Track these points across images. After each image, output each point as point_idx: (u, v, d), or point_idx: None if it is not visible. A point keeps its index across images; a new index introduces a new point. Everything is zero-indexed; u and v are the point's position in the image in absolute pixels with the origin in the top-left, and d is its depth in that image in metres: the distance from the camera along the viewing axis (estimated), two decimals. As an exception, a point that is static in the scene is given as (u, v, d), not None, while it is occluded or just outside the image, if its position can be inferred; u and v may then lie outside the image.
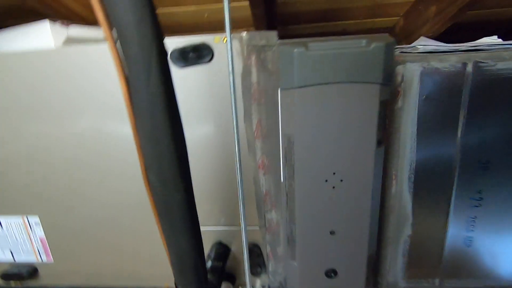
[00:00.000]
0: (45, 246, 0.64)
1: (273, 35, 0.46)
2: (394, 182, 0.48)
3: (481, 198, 0.47)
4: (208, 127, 0.52)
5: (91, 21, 0.79)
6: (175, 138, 0.30)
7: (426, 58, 0.42)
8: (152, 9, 0.26)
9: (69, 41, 0.56)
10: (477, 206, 0.48)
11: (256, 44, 0.46)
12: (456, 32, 1.00)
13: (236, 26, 0.94)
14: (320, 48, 0.36)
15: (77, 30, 0.58)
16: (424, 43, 0.46)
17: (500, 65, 0.41)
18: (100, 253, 0.63)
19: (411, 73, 0.43)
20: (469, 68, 0.42)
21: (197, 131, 0.52)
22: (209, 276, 0.50)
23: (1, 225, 0.63)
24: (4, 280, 0.66)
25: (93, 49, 0.50)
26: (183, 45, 0.47)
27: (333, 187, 0.41)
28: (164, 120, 0.29)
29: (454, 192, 0.47)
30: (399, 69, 0.43)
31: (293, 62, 0.36)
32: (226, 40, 0.47)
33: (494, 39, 0.59)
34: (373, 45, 0.34)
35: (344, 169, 0.40)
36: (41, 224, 0.62)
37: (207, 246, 0.60)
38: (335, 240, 0.44)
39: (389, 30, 1.16)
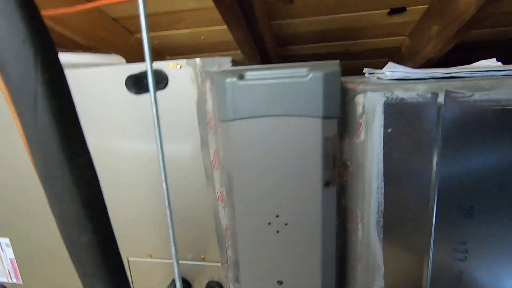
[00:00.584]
0: (14, 267, 0.64)
1: (226, 61, 0.43)
2: (359, 226, 0.42)
3: (466, 251, 0.40)
4: (167, 152, 0.49)
5: (85, 46, 0.82)
6: (78, 176, 0.28)
7: (389, 87, 0.37)
8: (34, 36, 0.24)
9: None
10: (462, 260, 0.40)
11: (209, 70, 0.44)
12: (461, 52, 0.92)
13: (222, 49, 0.94)
14: (255, 77, 0.32)
15: (65, 56, 0.59)
16: (392, 69, 0.41)
17: (478, 96, 0.35)
18: (68, 275, 0.62)
19: (373, 104, 0.38)
20: (441, 98, 0.36)
21: (152, 161, 0.50)
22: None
23: (-22, 243, 0.64)
24: (-23, 299, 0.66)
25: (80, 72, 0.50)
26: (138, 71, 0.46)
27: (277, 231, 0.36)
28: (59, 157, 0.26)
29: (432, 242, 0.40)
30: (359, 99, 0.38)
31: (226, 93, 0.33)
32: (180, 66, 0.46)
33: (492, 62, 0.53)
34: (310, 75, 0.30)
35: (288, 212, 0.35)
36: (12, 246, 0.62)
37: (169, 280, 0.57)
38: (283, 291, 0.38)
39: (395, 50, 1.10)
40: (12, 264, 0.64)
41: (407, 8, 0.84)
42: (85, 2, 0.72)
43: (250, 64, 0.41)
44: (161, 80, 0.46)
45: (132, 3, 0.81)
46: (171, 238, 0.36)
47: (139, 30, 0.99)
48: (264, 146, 0.33)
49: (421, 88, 0.36)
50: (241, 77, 0.33)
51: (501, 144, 0.35)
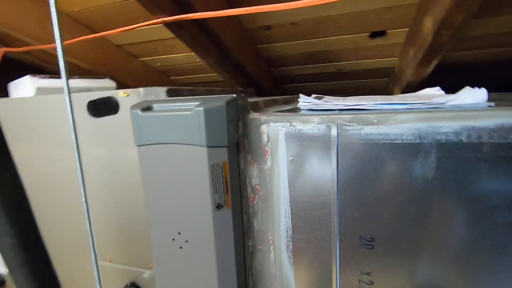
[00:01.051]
0: (10, 260, 0.74)
1: (161, 90, 0.49)
2: (271, 248, 0.44)
3: (371, 282, 0.40)
4: (121, 168, 0.56)
5: (89, 71, 0.94)
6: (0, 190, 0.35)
7: (288, 118, 0.39)
8: None
9: (40, 91, 0.69)
10: (369, 292, 0.40)
11: (147, 99, 0.49)
12: (446, 74, 0.88)
13: (207, 71, 1.00)
14: (159, 109, 0.37)
15: (48, 81, 0.70)
16: (303, 101, 0.43)
17: (367, 130, 0.36)
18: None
19: (276, 134, 0.40)
20: (334, 131, 0.37)
21: (107, 175, 0.56)
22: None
23: (-15, 237, 0.76)
24: (-18, 285, 0.77)
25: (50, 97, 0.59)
26: (95, 98, 0.54)
27: (180, 247, 0.40)
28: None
29: (337, 270, 0.41)
30: (263, 128, 0.41)
31: (133, 122, 0.38)
32: (127, 94, 0.52)
33: (435, 91, 0.52)
34: (194, 109, 0.34)
35: (187, 230, 0.39)
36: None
37: (125, 283, 0.62)
38: (189, 304, 0.41)
39: (390, 70, 1.08)
40: (8, 257, 0.74)
41: (387, 32, 0.83)
42: (88, 33, 0.85)
43: (229, 88, 0.45)
44: (114, 106, 0.53)
45: (135, 32, 0.92)
46: (90, 242, 0.41)
47: (142, 55, 1.10)
48: (164, 169, 0.38)
49: (316, 120, 0.38)
50: (147, 109, 0.38)
51: (393, 177, 0.36)
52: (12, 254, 0.37)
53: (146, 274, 0.59)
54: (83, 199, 0.39)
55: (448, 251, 0.35)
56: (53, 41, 0.76)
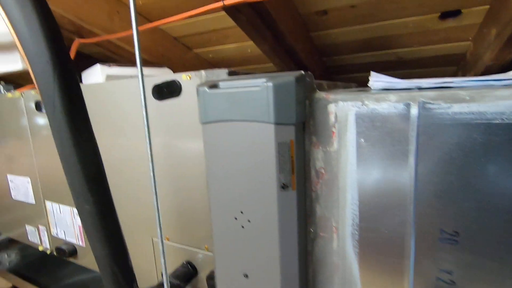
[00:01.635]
0: (81, 232, 0.82)
1: (223, 72, 0.49)
2: (335, 236, 0.41)
3: (452, 282, 0.35)
4: (182, 150, 0.57)
5: (149, 61, 1.00)
6: (83, 158, 0.37)
7: (360, 97, 0.36)
8: (54, 57, 0.34)
9: (109, 78, 0.74)
10: (448, 292, 0.36)
11: (209, 81, 0.50)
12: None
13: (267, 60, 0.99)
14: (225, 87, 0.37)
15: (116, 69, 0.75)
16: (375, 79, 0.39)
17: (457, 108, 0.32)
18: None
19: (345, 113, 0.38)
20: (414, 110, 0.34)
21: (167, 157, 0.59)
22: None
23: (60, 211, 0.85)
24: (57, 253, 0.87)
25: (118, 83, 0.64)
26: (160, 82, 0.56)
27: (242, 227, 0.39)
28: (70, 143, 0.36)
29: (412, 267, 0.37)
30: (331, 108, 0.38)
31: (200, 100, 0.39)
32: (190, 77, 0.53)
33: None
34: (262, 85, 0.34)
35: (250, 210, 0.38)
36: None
37: (181, 261, 0.64)
38: (248, 285, 0.41)
39: (461, 56, 0.97)
40: (79, 230, 0.82)
41: (463, 11, 0.74)
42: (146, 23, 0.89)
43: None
44: (176, 89, 0.55)
45: (191, 24, 0.96)
46: (157, 220, 0.43)
47: (196, 46, 1.14)
48: (229, 147, 0.38)
49: (393, 97, 0.35)
50: (213, 86, 0.38)
51: (486, 163, 0.31)
52: (90, 221, 0.40)
53: (201, 254, 0.61)
54: (152, 180, 0.41)
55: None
56: (120, 32, 0.81)
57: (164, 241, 0.66)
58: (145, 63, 1.01)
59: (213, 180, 0.40)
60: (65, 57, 0.35)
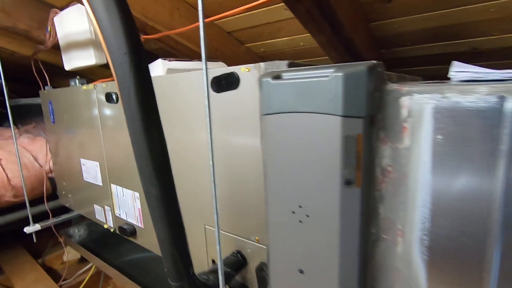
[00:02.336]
0: (140, 215, 0.89)
1: (283, 63, 0.48)
2: (399, 239, 0.38)
3: (548, 306, 0.30)
4: (230, 140, 0.58)
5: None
6: (152, 146, 0.40)
7: (440, 89, 0.33)
8: (131, 50, 0.36)
9: (169, 71, 0.79)
10: (542, 317, 0.31)
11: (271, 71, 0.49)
12: None
13: (320, 54, 0.95)
14: (289, 77, 0.37)
15: (175, 63, 0.79)
16: (457, 69, 0.35)
17: None
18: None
19: (420, 107, 0.34)
20: (509, 104, 0.29)
21: (223, 148, 0.60)
22: (208, 276, 0.56)
23: (123, 194, 0.93)
24: (119, 231, 0.95)
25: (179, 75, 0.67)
26: (219, 74, 0.57)
27: (300, 221, 0.39)
28: (141, 131, 0.39)
29: (496, 281, 0.33)
30: (404, 101, 0.35)
31: (263, 91, 0.38)
32: (249, 70, 0.53)
33: None
34: (331, 75, 0.32)
35: (310, 204, 0.37)
36: (140, 199, 0.87)
37: (231, 250, 0.66)
38: (302, 281, 0.40)
39: (553, 46, 0.83)
40: (139, 212, 0.89)
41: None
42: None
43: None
44: (235, 81, 0.55)
45: (244, 17, 0.96)
46: (215, 211, 0.44)
47: (248, 41, 1.15)
48: (291, 139, 0.37)
49: (483, 90, 0.30)
50: (277, 77, 0.37)
51: None
52: (155, 204, 0.42)
53: (251, 245, 0.62)
54: (211, 170, 0.42)
55: None
56: (179, 28, 0.85)
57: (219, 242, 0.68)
58: (199, 57, 1.05)
59: (271, 172, 0.40)
60: (140, 50, 0.38)
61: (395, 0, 0.74)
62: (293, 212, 0.39)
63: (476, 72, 0.33)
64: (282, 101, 0.37)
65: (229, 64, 1.17)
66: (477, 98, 0.31)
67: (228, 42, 1.09)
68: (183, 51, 1.04)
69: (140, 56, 0.37)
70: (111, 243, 1.20)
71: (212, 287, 0.55)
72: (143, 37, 0.87)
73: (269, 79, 0.37)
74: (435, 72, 1.08)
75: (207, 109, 0.41)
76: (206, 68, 0.41)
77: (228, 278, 0.60)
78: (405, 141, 0.36)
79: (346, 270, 0.37)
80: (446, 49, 0.94)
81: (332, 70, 0.33)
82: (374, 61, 0.34)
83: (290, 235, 0.40)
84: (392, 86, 0.36)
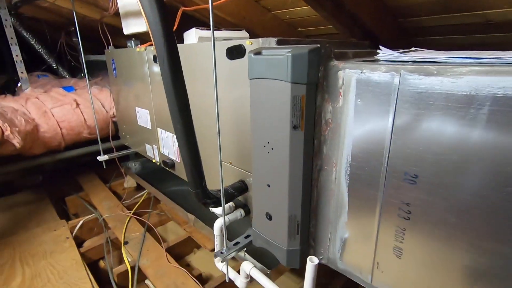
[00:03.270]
0: (177, 152, 1.16)
1: (273, 40, 0.64)
2: (334, 169, 0.56)
3: (409, 211, 0.47)
4: (239, 95, 0.78)
5: (233, 24, 1.18)
6: (177, 96, 0.61)
7: (361, 66, 0.48)
8: (164, 27, 0.56)
9: (201, 39, 0.98)
10: (406, 219, 0.48)
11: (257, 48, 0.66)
12: None
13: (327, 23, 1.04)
14: (265, 54, 0.54)
15: (206, 32, 0.97)
16: (383, 52, 0.49)
17: (427, 80, 0.41)
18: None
19: (349, 78, 0.50)
20: (396, 79, 0.44)
21: (232, 101, 0.80)
22: (217, 191, 0.79)
23: (166, 135, 1.21)
24: (163, 164, 1.25)
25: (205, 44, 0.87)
26: (231, 45, 0.75)
27: (268, 152, 0.58)
28: (170, 84, 0.60)
29: (382, 195, 0.50)
30: (340, 74, 0.51)
31: (248, 62, 0.56)
32: (251, 43, 0.70)
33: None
34: (285, 54, 0.49)
35: (273, 141, 0.56)
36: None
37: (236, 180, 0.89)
38: (269, 191, 0.61)
39: None
40: (176, 151, 1.16)
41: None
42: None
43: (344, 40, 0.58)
44: (242, 51, 0.73)
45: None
46: (219, 146, 0.65)
47: (275, 8, 1.26)
48: (262, 96, 0.55)
49: (383, 68, 0.45)
50: (257, 53, 0.55)
51: (443, 125, 0.40)
52: (180, 135, 0.65)
53: (251, 176, 0.84)
54: (217, 118, 0.62)
55: (483, 203, 0.39)
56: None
57: (227, 164, 0.91)
58: (229, 25, 1.20)
59: (253, 120, 0.59)
60: (170, 26, 0.57)
61: (399, -25, 0.80)
62: (264, 146, 0.59)
63: (392, 55, 0.47)
64: (258, 70, 0.54)
65: (256, 31, 1.31)
66: (379, 74, 0.46)
67: (256, 10, 1.22)
68: (215, 19, 1.20)
69: (170, 30, 0.57)
70: (159, 175, 1.55)
71: (218, 197, 0.79)
72: (182, 9, 1.06)
73: (252, 55, 0.55)
74: (453, 41, 1.10)
75: (214, 71, 0.60)
76: (214, 45, 0.59)
77: (232, 197, 0.84)
78: (340, 101, 0.52)
79: (293, 184, 0.56)
80: (460, 21, 0.96)
81: (287, 51, 0.49)
82: (318, 45, 0.49)
83: (262, 162, 0.60)
84: (334, 62, 0.51)
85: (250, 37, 1.10)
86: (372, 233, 0.53)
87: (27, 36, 2.07)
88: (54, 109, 1.48)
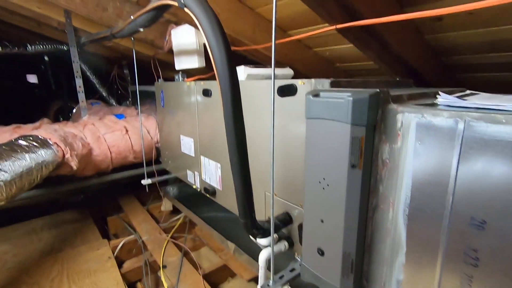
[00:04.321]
0: (220, 180, 1.21)
1: (326, 82, 0.68)
2: (391, 209, 0.57)
3: (477, 258, 0.46)
4: (291, 133, 0.82)
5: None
6: (237, 132, 0.66)
7: (421, 110, 0.50)
8: (230, 68, 0.62)
9: (249, 76, 1.05)
10: (473, 266, 0.47)
11: (316, 88, 0.70)
12: None
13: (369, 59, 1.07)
14: (323, 96, 0.58)
15: (254, 70, 1.05)
16: (443, 98, 0.51)
17: (494, 128, 0.42)
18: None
19: (409, 122, 0.52)
20: (461, 125, 0.45)
21: (282, 136, 0.84)
22: (264, 223, 0.81)
23: (209, 164, 1.27)
24: (204, 191, 1.30)
25: (255, 83, 0.94)
26: (283, 84, 0.80)
27: (323, 188, 0.61)
28: (232, 120, 0.65)
29: (444, 241, 0.50)
30: (399, 116, 0.53)
31: (306, 102, 0.61)
32: (303, 83, 0.75)
33: None
34: (345, 99, 0.52)
35: (329, 177, 0.59)
36: (221, 168, 1.19)
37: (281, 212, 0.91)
38: (323, 227, 0.62)
39: None
40: (219, 178, 1.21)
41: None
42: (280, 31, 1.15)
43: (390, 79, 0.62)
44: (294, 90, 0.78)
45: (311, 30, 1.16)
46: (271, 181, 0.68)
47: (315, 46, 1.33)
48: (320, 135, 0.59)
49: (446, 114, 0.47)
50: (315, 95, 0.59)
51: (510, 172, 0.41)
52: (235, 168, 0.69)
53: (297, 209, 0.85)
54: (271, 150, 0.66)
55: None
56: (260, 42, 1.10)
57: (273, 195, 0.93)
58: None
59: (308, 156, 0.62)
60: (234, 67, 0.63)
61: (445, 19, 0.83)
62: (319, 182, 0.61)
63: (452, 101, 0.49)
64: (317, 111, 0.58)
65: (297, 67, 1.38)
66: (442, 119, 0.47)
67: (297, 48, 1.29)
68: (260, 57, 1.29)
69: (233, 67, 0.63)
70: (196, 201, 1.60)
71: (265, 228, 0.81)
72: (232, 48, 1.15)
73: (310, 96, 0.59)
74: (497, 78, 1.09)
75: (272, 108, 0.65)
76: (274, 82, 0.64)
77: (277, 228, 0.85)
78: (398, 143, 0.54)
79: (348, 222, 0.57)
80: (507, 59, 0.96)
81: (348, 95, 0.53)
82: (378, 90, 0.53)
83: (316, 197, 0.62)
84: (393, 106, 0.54)
85: (294, 73, 1.16)
86: (433, 277, 0.52)
87: (84, 68, 2.32)
88: (107, 135, 1.61)
